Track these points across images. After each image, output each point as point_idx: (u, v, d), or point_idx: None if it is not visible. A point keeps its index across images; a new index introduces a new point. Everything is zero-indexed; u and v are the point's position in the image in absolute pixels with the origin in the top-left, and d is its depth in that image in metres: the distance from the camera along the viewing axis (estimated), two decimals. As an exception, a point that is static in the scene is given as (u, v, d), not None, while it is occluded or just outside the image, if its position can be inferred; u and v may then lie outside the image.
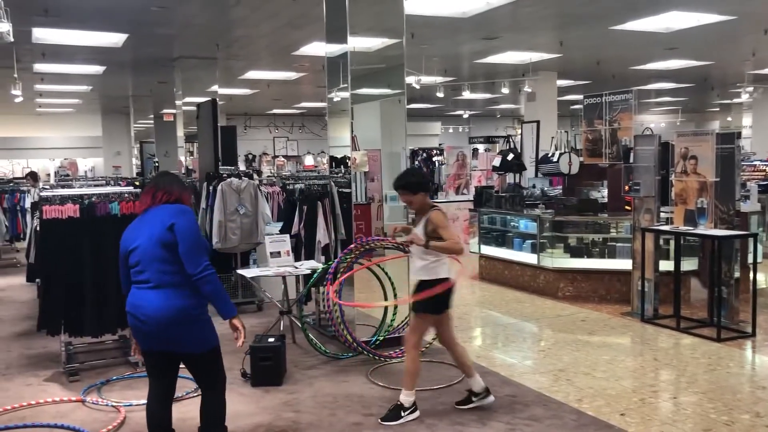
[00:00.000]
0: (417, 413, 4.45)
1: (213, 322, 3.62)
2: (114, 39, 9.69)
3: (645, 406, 4.69)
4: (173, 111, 14.13)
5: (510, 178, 11.47)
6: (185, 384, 4.71)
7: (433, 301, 4.36)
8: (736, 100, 20.78)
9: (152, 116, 20.02)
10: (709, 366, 5.55)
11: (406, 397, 4.43)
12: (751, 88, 14.52)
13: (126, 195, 5.64)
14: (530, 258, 8.55)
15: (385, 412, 4.47)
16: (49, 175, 21.63)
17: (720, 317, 6.39)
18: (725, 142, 6.63)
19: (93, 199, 5.45)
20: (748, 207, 8.03)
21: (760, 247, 8.03)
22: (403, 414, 4.40)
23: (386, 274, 6.29)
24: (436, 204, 4.49)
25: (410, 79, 12.17)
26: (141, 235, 3.51)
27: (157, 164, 18.30)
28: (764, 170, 11.76)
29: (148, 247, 3.45)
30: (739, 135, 6.99)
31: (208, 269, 3.40)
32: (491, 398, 4.64)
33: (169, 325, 3.40)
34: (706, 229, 6.58)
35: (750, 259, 6.67)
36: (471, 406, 4.60)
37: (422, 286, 4.40)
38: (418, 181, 4.42)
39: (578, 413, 4.56)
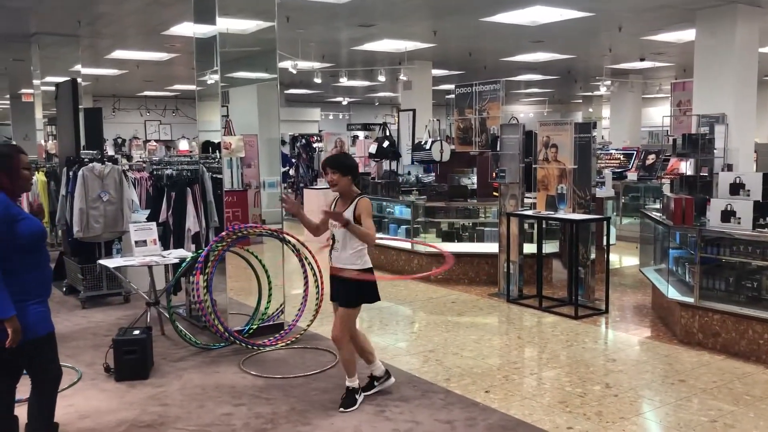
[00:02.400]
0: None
1: (47, 312, 3.43)
2: (-42, 10, 8.87)
3: (508, 383, 4.93)
4: (31, 91, 13.16)
5: (387, 164, 11.62)
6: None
7: (372, 291, 4.44)
8: (596, 93, 22.16)
9: (8, 96, 18.57)
10: (567, 342, 5.92)
11: (353, 383, 4.49)
12: (608, 82, 15.50)
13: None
14: (405, 243, 8.74)
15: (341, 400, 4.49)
16: None
17: (578, 296, 6.83)
18: (582, 131, 7.06)
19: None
20: (603, 192, 8.61)
21: (613, 230, 8.66)
22: (357, 397, 4.49)
23: (260, 262, 6.20)
24: (362, 192, 4.52)
25: (286, 64, 12.02)
26: None
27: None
28: (619, 158, 12.64)
29: None
30: (594, 125, 7.46)
31: None
32: (392, 380, 4.72)
33: None
34: (565, 213, 6.99)
35: (605, 242, 7.15)
36: (374, 390, 4.63)
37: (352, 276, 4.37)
38: (350, 165, 4.45)
39: (446, 392, 4.72)
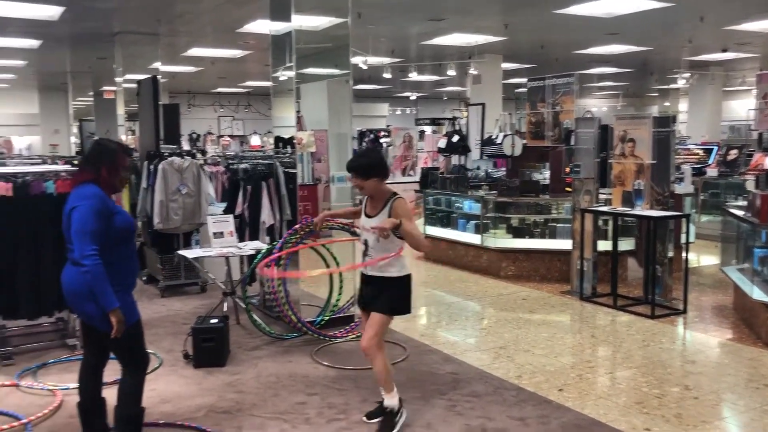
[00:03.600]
0: (404, 414, 4.05)
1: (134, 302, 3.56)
2: (50, 12, 9.31)
3: (582, 382, 4.84)
4: (114, 88, 13.71)
5: (455, 159, 11.58)
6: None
7: (407, 300, 4.02)
8: (673, 86, 21.40)
9: (92, 93, 19.41)
10: (643, 342, 5.76)
11: (391, 400, 3.99)
12: (687, 75, 14.96)
13: (62, 174, 5.47)
14: (474, 238, 8.69)
15: (379, 426, 3.99)
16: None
17: (654, 295, 6.63)
18: (661, 125, 6.84)
19: (27, 178, 5.27)
20: (682, 189, 8.32)
21: (692, 228, 8.36)
22: (396, 420, 3.97)
23: (331, 254, 6.29)
24: (396, 192, 4.01)
25: (357, 60, 12.10)
26: (64, 216, 3.50)
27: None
28: (698, 154, 12.17)
29: (65, 227, 3.46)
30: (674, 119, 7.22)
31: (88, 259, 3.25)
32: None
33: (76, 299, 3.42)
34: (642, 210, 6.79)
35: (683, 239, 6.92)
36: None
37: (390, 283, 3.95)
38: (369, 164, 3.91)
39: (518, 389, 4.67)
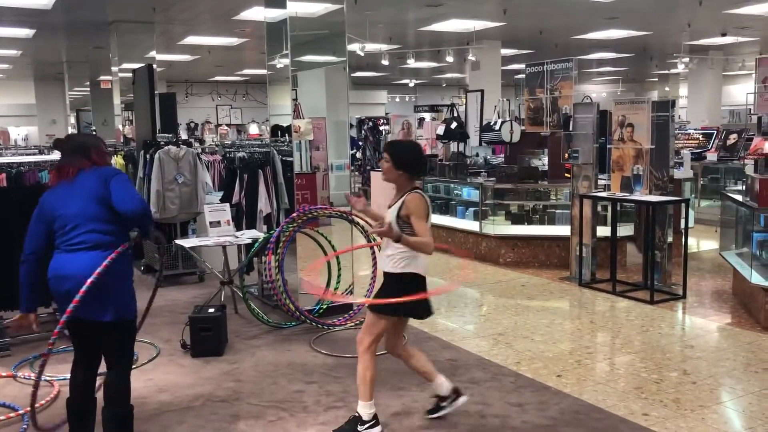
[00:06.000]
0: (378, 428, 3.71)
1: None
2: (43, 0, 9.24)
3: (581, 367, 4.83)
4: (110, 78, 13.64)
5: (454, 146, 11.50)
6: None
7: (414, 302, 3.57)
8: (673, 71, 21.29)
9: (89, 83, 19.32)
10: (642, 327, 5.75)
11: (364, 409, 3.69)
12: (687, 59, 14.85)
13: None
14: (473, 225, 8.67)
15: (342, 424, 3.79)
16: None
17: (653, 280, 6.62)
18: (660, 110, 6.80)
19: (21, 168, 5.24)
20: (681, 174, 8.29)
21: (692, 213, 8.34)
22: (360, 428, 3.67)
23: (329, 242, 6.26)
24: (418, 186, 3.66)
25: (354, 47, 12.02)
26: (72, 199, 3.38)
27: (95, 132, 17.75)
28: (698, 138, 12.13)
29: (84, 207, 3.34)
30: (673, 104, 7.17)
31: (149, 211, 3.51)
32: (463, 398, 3.97)
33: (93, 285, 3.20)
34: (641, 195, 6.77)
35: (682, 225, 6.89)
36: (443, 413, 3.96)
37: (390, 280, 3.65)
38: (403, 157, 3.61)
39: (516, 375, 4.67)
